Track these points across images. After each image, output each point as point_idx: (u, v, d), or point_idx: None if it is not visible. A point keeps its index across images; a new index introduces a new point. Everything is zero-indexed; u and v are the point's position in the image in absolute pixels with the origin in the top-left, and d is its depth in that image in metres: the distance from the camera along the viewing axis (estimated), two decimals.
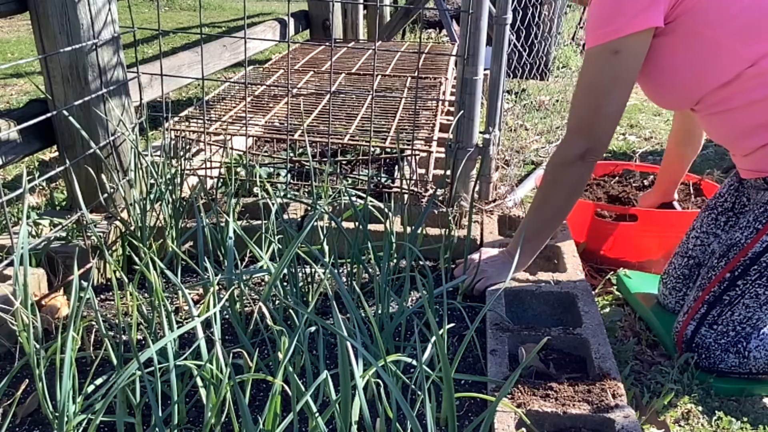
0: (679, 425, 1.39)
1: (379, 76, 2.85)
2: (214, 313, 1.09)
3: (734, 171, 1.62)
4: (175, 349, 1.13)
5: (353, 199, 1.55)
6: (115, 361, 1.16)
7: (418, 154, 2.08)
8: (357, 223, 1.49)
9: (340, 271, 1.63)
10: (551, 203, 1.50)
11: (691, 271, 1.67)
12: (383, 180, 2.28)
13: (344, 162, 2.44)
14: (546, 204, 1.51)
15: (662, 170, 2.04)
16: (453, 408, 1.01)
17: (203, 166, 2.06)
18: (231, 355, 1.24)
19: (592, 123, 1.40)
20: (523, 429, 1.12)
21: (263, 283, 1.64)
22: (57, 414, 1.00)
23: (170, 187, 1.69)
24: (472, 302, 1.55)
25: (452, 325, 1.46)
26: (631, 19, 1.28)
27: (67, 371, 0.98)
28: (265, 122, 2.22)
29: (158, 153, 1.80)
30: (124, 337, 1.32)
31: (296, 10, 4.19)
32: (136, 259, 1.67)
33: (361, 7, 4.33)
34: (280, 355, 0.96)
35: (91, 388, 1.13)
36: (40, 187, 2.50)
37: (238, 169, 2.12)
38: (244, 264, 1.72)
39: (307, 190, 2.15)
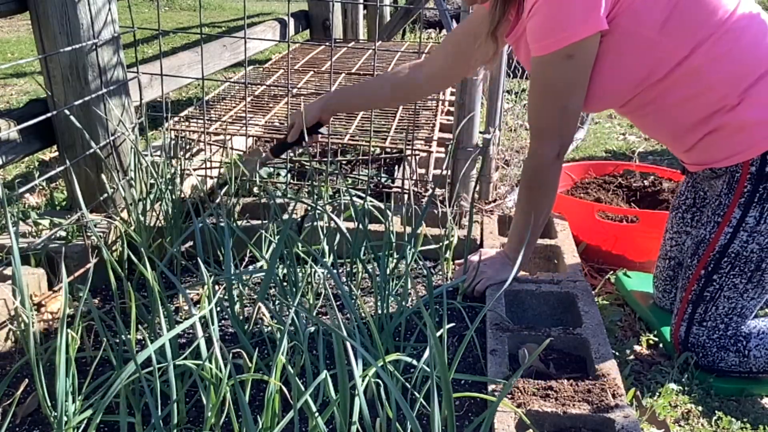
0: (679, 425, 1.39)
1: None
2: (212, 313, 1.09)
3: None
4: (174, 349, 1.13)
5: (353, 198, 1.55)
6: (114, 361, 1.16)
7: (418, 154, 2.08)
8: (357, 223, 1.49)
9: (340, 271, 1.63)
10: (540, 204, 1.54)
11: (674, 271, 1.70)
12: (383, 180, 2.28)
13: (344, 162, 2.44)
14: (536, 206, 1.54)
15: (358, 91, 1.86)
16: (452, 408, 1.01)
17: (203, 166, 2.06)
18: (230, 354, 1.24)
19: (561, 124, 1.45)
20: None
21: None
22: (56, 414, 1.00)
23: (170, 187, 1.69)
24: (472, 302, 1.55)
25: (452, 324, 1.46)
26: (581, 25, 1.32)
27: (35, 372, 0.98)
28: (265, 122, 2.22)
29: (158, 153, 1.80)
30: (123, 337, 1.32)
31: (296, 10, 4.19)
32: (135, 260, 1.67)
33: (361, 7, 4.33)
34: (282, 357, 0.96)
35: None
36: (40, 187, 2.50)
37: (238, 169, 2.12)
38: (244, 264, 1.72)
39: (307, 190, 2.15)
